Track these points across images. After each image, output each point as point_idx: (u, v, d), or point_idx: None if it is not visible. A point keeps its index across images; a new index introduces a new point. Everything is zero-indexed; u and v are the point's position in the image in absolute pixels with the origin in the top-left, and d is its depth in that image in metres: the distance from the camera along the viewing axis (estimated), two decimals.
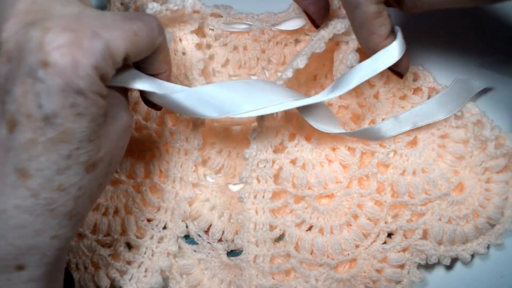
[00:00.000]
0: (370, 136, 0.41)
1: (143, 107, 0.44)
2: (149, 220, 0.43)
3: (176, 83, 0.39)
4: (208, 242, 0.44)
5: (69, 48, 0.26)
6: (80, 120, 0.28)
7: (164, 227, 0.44)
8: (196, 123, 0.43)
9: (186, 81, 0.43)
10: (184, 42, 0.43)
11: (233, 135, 0.46)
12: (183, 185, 0.43)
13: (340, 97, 0.42)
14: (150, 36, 0.31)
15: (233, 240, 0.43)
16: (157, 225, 0.43)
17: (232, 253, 0.44)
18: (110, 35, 0.28)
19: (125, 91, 0.34)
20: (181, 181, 0.44)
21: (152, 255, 0.43)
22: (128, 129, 0.33)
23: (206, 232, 0.44)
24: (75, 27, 0.27)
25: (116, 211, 0.43)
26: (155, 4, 0.39)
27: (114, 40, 0.28)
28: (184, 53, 0.43)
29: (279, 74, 0.42)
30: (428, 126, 0.41)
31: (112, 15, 0.29)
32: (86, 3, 0.30)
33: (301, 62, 0.38)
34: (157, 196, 0.44)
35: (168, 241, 0.43)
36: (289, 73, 0.39)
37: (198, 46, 0.43)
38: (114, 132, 0.31)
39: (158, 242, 0.43)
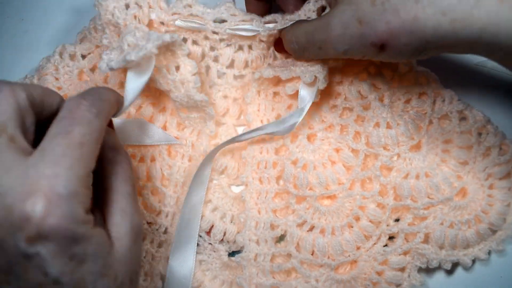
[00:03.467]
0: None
1: (148, 110, 0.43)
2: (149, 224, 0.44)
3: (178, 102, 0.42)
4: (209, 243, 0.44)
5: (47, 211, 0.26)
6: (85, 266, 0.28)
7: (165, 232, 0.44)
8: (203, 130, 0.44)
9: (186, 98, 0.41)
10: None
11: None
12: (185, 190, 0.43)
13: (345, 99, 0.43)
14: None
15: (234, 241, 0.43)
16: (157, 229, 0.44)
17: (233, 254, 0.44)
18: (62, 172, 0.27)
19: (122, 200, 0.32)
20: (183, 186, 0.44)
21: (152, 259, 0.43)
22: (137, 234, 0.32)
23: (208, 233, 0.44)
24: (34, 188, 0.26)
25: None
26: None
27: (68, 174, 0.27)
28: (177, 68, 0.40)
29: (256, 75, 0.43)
30: (433, 130, 0.42)
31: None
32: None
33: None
34: (158, 200, 0.44)
35: (168, 246, 0.43)
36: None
37: (190, 56, 0.41)
38: (123, 252, 0.30)
39: (158, 246, 0.44)
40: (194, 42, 0.44)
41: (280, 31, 0.42)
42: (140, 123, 0.43)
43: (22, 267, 0.27)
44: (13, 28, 0.51)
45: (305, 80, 0.39)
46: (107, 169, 0.32)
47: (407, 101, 0.42)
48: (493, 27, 0.29)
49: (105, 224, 0.31)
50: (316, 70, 0.39)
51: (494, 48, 0.31)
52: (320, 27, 0.36)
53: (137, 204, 0.32)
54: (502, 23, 0.29)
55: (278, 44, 0.42)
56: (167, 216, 0.43)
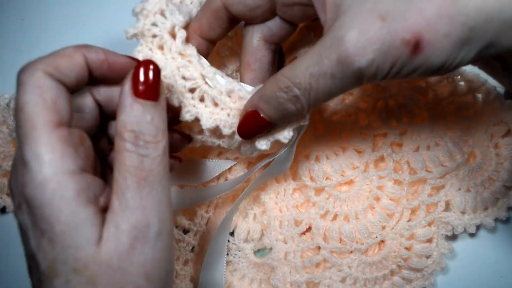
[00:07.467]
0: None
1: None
2: (177, 241, 0.43)
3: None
4: (234, 243, 0.44)
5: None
6: (56, 249, 0.25)
7: (192, 250, 0.44)
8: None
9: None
10: None
11: None
12: (217, 212, 0.44)
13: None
14: None
15: (260, 238, 0.43)
16: (184, 247, 0.43)
17: (259, 252, 0.44)
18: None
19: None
20: (217, 207, 0.44)
21: (176, 277, 0.43)
22: (137, 238, 0.26)
23: (232, 234, 0.44)
24: None
25: None
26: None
27: None
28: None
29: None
30: (433, 100, 0.42)
31: None
32: None
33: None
34: (188, 218, 0.44)
35: (194, 265, 0.43)
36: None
37: None
38: (109, 256, 0.26)
39: (184, 264, 0.43)
40: None
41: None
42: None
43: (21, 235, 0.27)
44: (13, 28, 0.51)
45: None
46: (114, 157, 0.28)
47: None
48: None
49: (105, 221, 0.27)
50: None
51: None
52: (328, 48, 0.27)
53: (145, 198, 0.27)
54: None
55: (246, 126, 0.32)
56: (195, 235, 0.43)
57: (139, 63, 0.28)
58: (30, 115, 0.26)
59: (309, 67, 0.28)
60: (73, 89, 0.28)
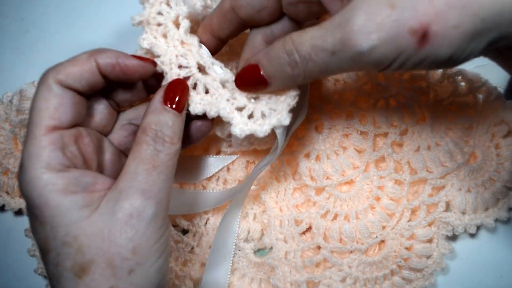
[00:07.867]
0: None
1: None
2: (176, 242, 0.43)
3: None
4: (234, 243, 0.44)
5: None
6: (46, 228, 0.28)
7: (191, 251, 0.44)
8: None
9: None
10: None
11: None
12: (215, 213, 0.43)
13: (344, 83, 0.43)
14: None
15: (260, 238, 0.43)
16: (183, 248, 0.43)
17: (260, 251, 0.44)
18: None
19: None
20: (215, 208, 0.44)
21: (176, 278, 0.43)
22: (131, 216, 0.29)
23: None
24: None
25: None
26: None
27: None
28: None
29: None
30: (434, 100, 0.42)
31: None
32: None
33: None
34: (187, 218, 0.44)
35: (193, 266, 0.43)
36: None
37: None
38: (99, 228, 0.29)
39: (183, 265, 0.43)
40: None
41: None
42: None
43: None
44: (13, 28, 0.51)
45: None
46: (132, 148, 0.31)
47: (404, 76, 0.43)
48: None
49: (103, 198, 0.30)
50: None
51: None
52: (335, 26, 0.27)
53: (150, 183, 0.30)
54: None
55: (243, 76, 0.33)
56: (194, 235, 0.43)
57: (173, 80, 0.33)
58: (32, 120, 0.30)
59: (313, 39, 0.28)
60: (88, 93, 0.32)
